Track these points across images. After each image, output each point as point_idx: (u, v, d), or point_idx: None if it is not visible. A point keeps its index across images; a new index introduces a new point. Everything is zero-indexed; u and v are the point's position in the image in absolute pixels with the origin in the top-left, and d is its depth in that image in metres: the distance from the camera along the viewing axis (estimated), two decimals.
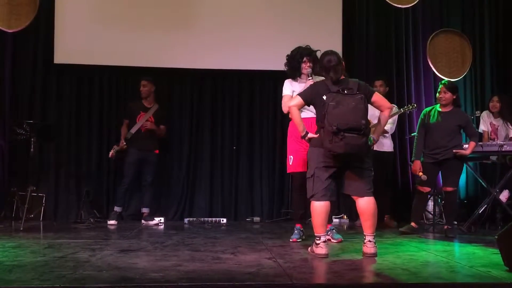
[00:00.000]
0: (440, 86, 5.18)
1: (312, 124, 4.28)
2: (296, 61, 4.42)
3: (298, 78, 4.49)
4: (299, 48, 4.47)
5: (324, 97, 3.59)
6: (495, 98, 5.96)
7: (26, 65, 6.35)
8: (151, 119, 6.01)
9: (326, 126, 3.50)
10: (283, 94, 4.51)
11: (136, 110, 6.01)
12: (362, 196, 3.67)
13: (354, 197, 3.74)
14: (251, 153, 6.65)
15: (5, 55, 6.25)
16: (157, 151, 6.05)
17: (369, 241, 3.63)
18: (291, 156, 4.44)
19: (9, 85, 6.25)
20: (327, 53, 3.85)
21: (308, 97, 3.75)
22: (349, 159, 3.61)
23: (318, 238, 3.62)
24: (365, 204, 3.66)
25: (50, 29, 6.30)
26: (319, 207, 3.62)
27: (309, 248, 3.77)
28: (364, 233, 3.67)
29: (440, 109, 5.15)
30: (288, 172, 4.58)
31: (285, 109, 4.42)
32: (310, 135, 3.74)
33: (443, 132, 5.04)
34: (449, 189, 5.04)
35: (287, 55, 4.52)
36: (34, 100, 6.34)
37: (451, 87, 5.13)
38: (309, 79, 4.33)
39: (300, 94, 3.80)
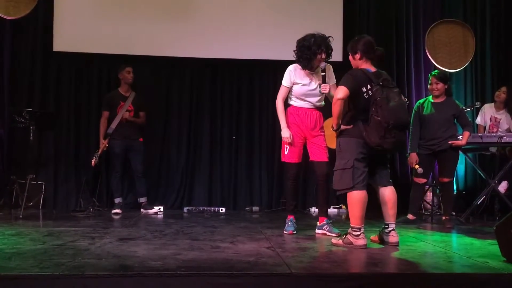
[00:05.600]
0: (430, 77, 5.18)
1: (309, 114, 4.28)
2: (312, 52, 4.12)
3: (306, 68, 4.25)
4: (314, 36, 4.15)
5: (364, 89, 3.54)
6: (503, 89, 5.90)
7: (25, 52, 6.32)
8: (131, 108, 5.97)
9: (378, 122, 3.43)
10: (282, 83, 4.33)
11: (116, 100, 5.94)
12: (387, 185, 3.69)
13: (379, 187, 3.71)
14: (251, 143, 6.65)
15: (4, 42, 6.22)
16: (141, 139, 6.02)
17: (393, 229, 3.67)
18: (287, 146, 4.30)
19: (8, 73, 6.23)
20: (363, 36, 3.78)
21: (352, 87, 3.56)
22: (386, 152, 3.63)
23: (357, 230, 3.56)
24: (391, 193, 3.67)
25: (49, 16, 6.26)
26: (359, 197, 3.54)
27: (339, 240, 3.68)
28: (388, 222, 3.68)
29: (432, 100, 5.15)
30: (282, 160, 4.41)
31: (278, 100, 4.30)
32: (343, 126, 3.65)
33: (438, 123, 5.04)
34: (446, 180, 5.06)
35: (300, 42, 4.20)
36: (33, 88, 6.32)
37: (442, 77, 5.12)
38: (322, 74, 4.16)
39: (346, 85, 3.56)
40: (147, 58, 6.37)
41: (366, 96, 3.55)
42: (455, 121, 5.14)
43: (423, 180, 5.17)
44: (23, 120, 5.39)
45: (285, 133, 4.27)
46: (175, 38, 6.40)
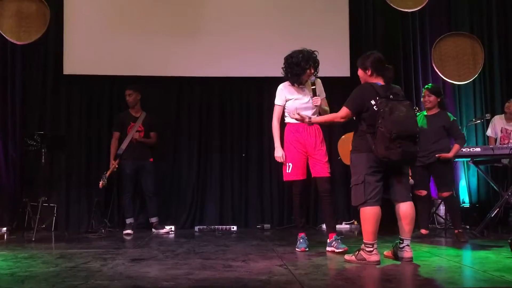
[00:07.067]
0: (424, 90, 5.18)
1: (307, 129, 4.27)
2: (302, 68, 4.22)
3: (295, 84, 4.32)
4: (302, 52, 4.23)
5: (372, 102, 3.56)
6: None
7: (36, 76, 6.41)
8: (141, 128, 6.02)
9: (382, 132, 3.43)
10: (275, 103, 4.39)
11: (126, 121, 5.99)
12: (405, 200, 3.64)
13: (396, 202, 3.67)
14: (261, 160, 6.64)
15: (16, 66, 6.33)
16: (151, 159, 6.04)
17: (408, 245, 3.62)
18: (290, 164, 4.25)
19: (19, 96, 6.33)
20: (373, 52, 3.80)
21: (356, 107, 3.64)
22: (397, 165, 3.59)
23: (370, 246, 3.54)
24: (409, 209, 3.63)
25: (59, 40, 6.36)
26: (371, 213, 3.53)
27: (352, 257, 3.65)
28: (403, 237, 3.63)
29: (426, 113, 5.14)
30: (285, 180, 4.35)
31: (274, 120, 4.34)
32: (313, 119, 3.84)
33: (428, 135, 4.98)
34: (445, 194, 4.97)
35: (288, 59, 4.29)
36: (44, 111, 6.40)
37: (434, 90, 5.12)
38: (312, 88, 4.25)
39: (348, 107, 3.67)
40: (156, 79, 6.43)
41: (376, 109, 3.56)
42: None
43: (424, 192, 5.09)
44: (34, 143, 5.44)
45: (278, 152, 4.30)
46: (183, 58, 6.46)
